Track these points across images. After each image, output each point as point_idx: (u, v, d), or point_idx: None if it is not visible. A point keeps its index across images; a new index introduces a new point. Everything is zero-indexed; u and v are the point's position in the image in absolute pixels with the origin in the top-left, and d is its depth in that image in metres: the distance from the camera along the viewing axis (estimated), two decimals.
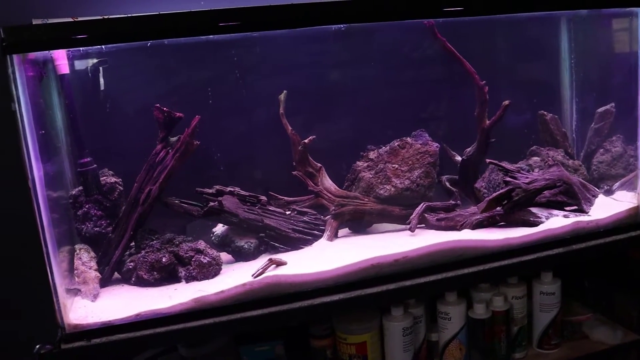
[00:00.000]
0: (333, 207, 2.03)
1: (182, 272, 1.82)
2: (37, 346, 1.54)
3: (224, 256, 1.93)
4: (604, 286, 2.33)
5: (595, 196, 2.14)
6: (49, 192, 1.60)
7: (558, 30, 2.42)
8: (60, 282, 1.59)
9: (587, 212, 2.05)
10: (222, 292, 1.67)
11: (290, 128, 2.00)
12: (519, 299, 2.05)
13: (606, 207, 2.10)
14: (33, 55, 1.61)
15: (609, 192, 2.25)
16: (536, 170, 2.14)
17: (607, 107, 2.32)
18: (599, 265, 2.30)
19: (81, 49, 1.74)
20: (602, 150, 2.33)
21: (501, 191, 1.97)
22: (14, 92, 1.47)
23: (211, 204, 1.89)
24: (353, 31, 1.96)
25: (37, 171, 1.53)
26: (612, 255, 2.17)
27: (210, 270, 1.81)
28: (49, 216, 1.57)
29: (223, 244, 1.96)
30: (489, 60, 2.37)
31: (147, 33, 1.59)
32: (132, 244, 1.89)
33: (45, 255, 1.56)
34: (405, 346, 1.92)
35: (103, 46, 1.73)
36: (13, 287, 2.03)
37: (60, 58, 1.75)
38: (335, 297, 1.72)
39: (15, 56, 1.47)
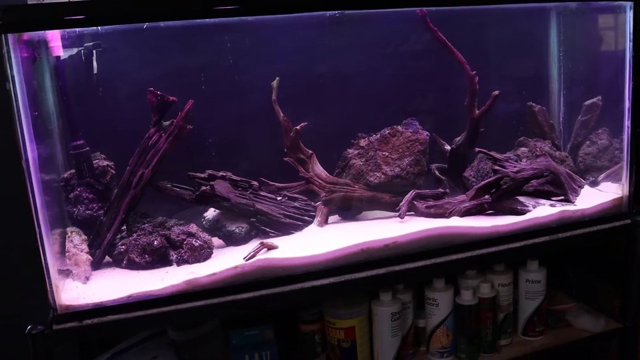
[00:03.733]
0: (324, 194, 2.05)
1: (173, 255, 1.82)
2: (29, 327, 1.54)
3: (215, 241, 1.94)
4: (587, 276, 2.37)
5: (581, 187, 2.18)
6: (41, 175, 1.60)
7: (547, 23, 2.44)
8: (52, 263, 1.60)
9: (573, 202, 2.08)
10: (213, 274, 1.68)
11: (282, 114, 2.01)
12: (506, 286, 2.08)
13: (592, 197, 2.14)
14: (27, 36, 1.60)
15: (594, 183, 2.29)
16: (524, 160, 2.17)
17: (594, 100, 2.36)
18: (583, 255, 2.35)
19: (76, 30, 1.75)
20: (588, 142, 2.37)
21: (490, 179, 2.00)
22: (9, 71, 1.47)
23: (203, 188, 1.90)
24: (346, 19, 1.97)
25: (30, 152, 1.54)
26: (596, 245, 2.21)
27: (202, 254, 1.82)
28: (42, 198, 1.58)
29: (214, 228, 1.97)
30: (480, 52, 2.39)
31: (144, 14, 1.60)
32: (124, 227, 1.90)
33: (37, 236, 1.56)
34: (394, 331, 1.94)
35: (98, 28, 1.73)
36: (4, 269, 2.03)
37: (55, 40, 1.75)
38: (326, 281, 1.74)
39: (10, 36, 1.47)
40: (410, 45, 2.28)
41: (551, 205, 2.04)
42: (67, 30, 1.73)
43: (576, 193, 2.13)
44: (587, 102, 2.37)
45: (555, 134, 2.39)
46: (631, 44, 2.00)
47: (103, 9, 1.53)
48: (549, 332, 2.18)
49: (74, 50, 1.87)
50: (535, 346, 2.12)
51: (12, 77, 1.48)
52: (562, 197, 2.09)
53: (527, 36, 2.46)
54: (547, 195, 2.09)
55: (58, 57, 1.79)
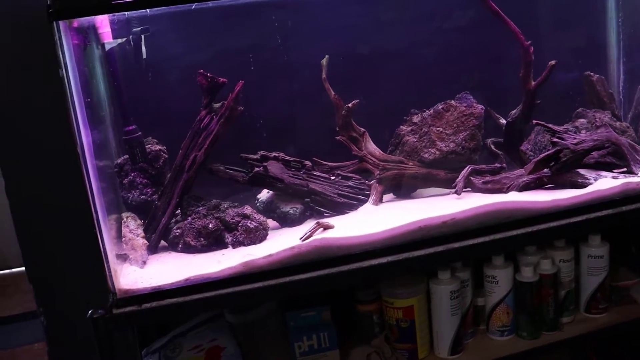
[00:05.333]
0: (377, 172, 2.01)
1: (228, 237, 1.82)
2: (90, 311, 1.56)
3: (270, 222, 1.92)
4: None
5: None
6: (95, 161, 1.61)
7: None
8: (110, 248, 1.61)
9: (636, 174, 2.00)
10: (270, 255, 1.66)
11: (333, 93, 1.98)
12: (567, 262, 2.03)
13: None
14: (77, 22, 1.60)
15: None
16: (583, 132, 2.10)
17: None
18: None
19: (126, 14, 1.74)
20: None
21: (549, 152, 1.93)
22: (61, 58, 1.48)
23: (256, 169, 1.88)
24: None
25: (85, 138, 1.54)
26: None
27: (257, 235, 1.81)
28: (98, 183, 1.59)
29: (268, 210, 1.96)
30: (534, 20, 2.32)
31: None
32: (178, 211, 1.90)
33: (95, 222, 1.57)
34: (453, 310, 1.91)
35: (147, 11, 1.73)
36: (65, 255, 2.06)
37: (104, 26, 1.75)
38: (383, 260, 1.71)
39: (61, 23, 1.47)
40: (461, 17, 2.22)
41: (613, 177, 1.97)
42: (116, 15, 1.73)
43: (639, 164, 2.06)
44: None
45: (614, 104, 2.30)
46: None
47: None
48: (613, 309, 2.12)
49: (123, 36, 1.87)
50: (599, 323, 2.07)
51: (65, 64, 1.49)
52: (624, 169, 2.02)
53: (582, 1, 2.38)
54: (609, 167, 2.02)
55: (108, 43, 1.79)
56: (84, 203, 1.55)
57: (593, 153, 1.99)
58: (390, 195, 2.10)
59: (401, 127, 2.09)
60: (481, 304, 2.04)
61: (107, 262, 1.59)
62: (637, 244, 2.34)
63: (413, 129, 2.06)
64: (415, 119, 2.07)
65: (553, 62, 1.97)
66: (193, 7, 1.71)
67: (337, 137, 2.02)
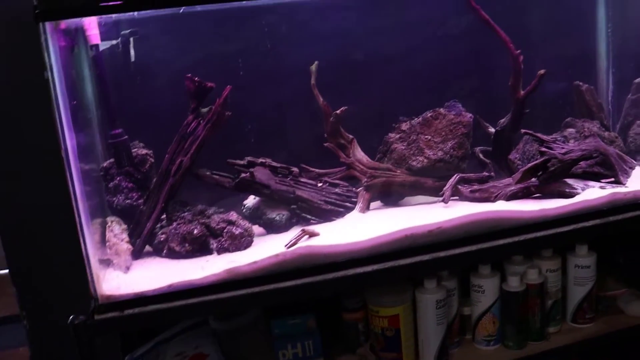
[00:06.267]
0: (365, 179, 2.00)
1: (213, 243, 1.81)
2: (71, 317, 1.54)
3: (256, 229, 1.91)
4: (638, 260, 2.29)
5: (632, 168, 2.10)
6: (81, 164, 1.60)
7: None
8: (93, 253, 1.59)
9: (624, 184, 2.00)
10: (254, 262, 1.65)
11: (321, 99, 1.97)
12: (554, 272, 2.02)
13: None
14: (65, 24, 1.59)
15: None
16: (571, 141, 2.10)
17: None
18: (634, 239, 2.26)
19: (113, 16, 1.73)
20: (639, 122, 2.28)
21: (537, 161, 1.93)
22: (47, 60, 1.46)
23: (243, 175, 1.87)
24: None
25: (69, 141, 1.52)
26: None
27: (242, 242, 1.80)
28: (82, 187, 1.57)
29: (254, 216, 1.95)
30: (524, 30, 2.32)
31: None
32: (164, 216, 1.88)
33: (78, 226, 1.55)
34: (439, 319, 1.90)
35: (135, 14, 1.72)
36: (48, 259, 2.05)
37: (92, 28, 1.73)
38: (369, 268, 1.70)
39: (47, 24, 1.46)
40: (451, 25, 2.22)
41: (601, 187, 1.97)
42: (104, 17, 1.71)
43: (627, 174, 2.05)
44: (637, 80, 2.28)
45: (603, 113, 2.31)
46: None
47: None
48: (600, 318, 2.11)
49: (112, 39, 1.86)
50: (585, 333, 2.06)
51: (51, 65, 1.47)
52: (612, 179, 2.02)
53: (572, 12, 2.38)
54: (596, 177, 2.01)
55: (95, 46, 1.77)
56: (68, 207, 1.54)
57: (581, 163, 1.98)
58: (377, 203, 2.09)
59: (390, 134, 2.08)
60: (467, 313, 2.04)
61: (90, 267, 1.57)
62: (625, 254, 2.34)
63: (401, 137, 2.05)
64: (404, 126, 2.06)
65: (542, 71, 1.97)
66: (181, 10, 1.70)
67: (325, 144, 2.02)
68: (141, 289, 1.60)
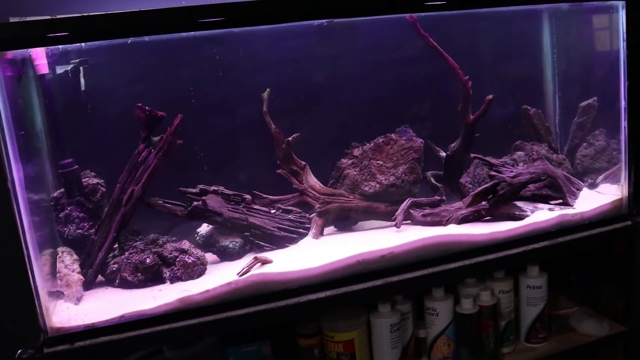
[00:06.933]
0: (318, 205, 2.01)
1: (166, 272, 1.79)
2: (19, 351, 1.51)
3: (209, 256, 1.91)
4: (589, 279, 2.33)
5: (579, 189, 2.15)
6: (29, 195, 1.58)
7: (540, 24, 2.43)
8: (42, 285, 1.57)
9: (572, 205, 2.05)
10: (207, 291, 1.65)
11: (273, 126, 1.99)
12: (506, 293, 2.05)
13: (591, 200, 2.11)
14: (11, 54, 1.58)
15: (593, 185, 2.26)
16: (521, 164, 2.14)
17: (590, 101, 2.33)
18: (584, 258, 2.31)
19: (60, 47, 1.72)
20: (585, 144, 2.34)
21: (486, 185, 1.97)
22: None
23: (195, 203, 1.87)
24: (335, 27, 1.95)
25: (16, 172, 1.51)
26: (597, 248, 2.18)
27: (195, 270, 1.79)
28: (30, 218, 1.55)
29: (208, 244, 1.95)
30: (472, 56, 2.37)
31: (127, 30, 1.56)
32: (116, 245, 1.87)
33: (26, 258, 1.53)
34: (393, 343, 1.91)
35: (83, 45, 1.71)
36: None
37: (40, 58, 1.72)
38: (322, 295, 1.71)
39: None
40: (401, 52, 2.25)
41: (550, 209, 2.01)
42: (52, 47, 1.70)
43: (575, 196, 2.10)
44: (583, 104, 2.34)
45: (551, 136, 2.37)
46: (625, 43, 1.98)
47: (86, 25, 1.51)
48: (553, 337, 2.14)
49: (61, 68, 1.85)
50: (539, 353, 2.08)
51: None
52: (560, 201, 2.07)
53: (519, 39, 2.45)
54: (545, 199, 2.06)
55: (44, 75, 1.76)
56: (15, 238, 1.51)
57: (530, 186, 2.03)
58: (331, 228, 2.10)
59: (342, 160, 2.10)
60: (422, 336, 2.04)
61: (38, 299, 1.55)
62: (576, 273, 2.38)
63: (354, 162, 2.07)
64: (356, 152, 2.08)
65: (490, 96, 2.01)
66: (129, 41, 1.70)
67: (278, 170, 2.02)
68: (92, 320, 1.59)
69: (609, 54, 2.10)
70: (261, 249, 1.92)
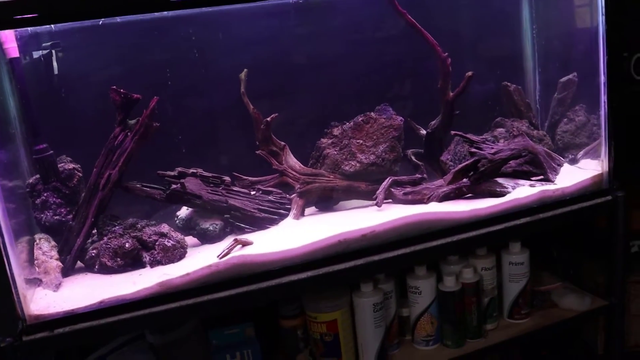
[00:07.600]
0: (298, 185, 2.00)
1: (146, 257, 1.78)
2: None
3: (190, 239, 1.90)
4: (571, 255, 2.35)
5: (560, 165, 2.15)
6: (3, 181, 1.56)
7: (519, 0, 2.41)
8: (19, 272, 1.54)
9: (552, 181, 2.05)
10: (187, 274, 1.63)
11: (252, 107, 1.96)
12: (488, 270, 2.05)
13: (571, 175, 2.11)
14: None
15: (573, 161, 2.27)
16: (501, 141, 2.14)
17: (570, 76, 2.32)
18: (566, 234, 2.32)
19: (29, 30, 1.69)
20: (565, 119, 2.34)
21: (467, 162, 1.96)
22: None
23: (173, 186, 1.85)
24: (312, 5, 1.93)
25: None
26: (579, 224, 2.19)
27: (175, 254, 1.77)
28: (4, 205, 1.52)
29: (188, 227, 1.93)
30: (452, 33, 2.35)
31: (98, 10, 1.53)
32: (94, 231, 1.84)
33: (0, 246, 1.50)
34: (377, 322, 1.91)
35: (53, 27, 1.67)
36: None
37: (9, 41, 1.69)
38: (304, 275, 1.70)
39: None
40: (380, 30, 2.24)
41: (531, 185, 2.01)
42: (21, 30, 1.66)
43: (556, 172, 2.10)
44: (563, 79, 2.33)
45: (532, 112, 2.36)
46: (604, 17, 1.97)
47: (55, 5, 1.47)
48: (535, 313, 2.15)
49: (32, 51, 1.81)
50: (522, 328, 2.10)
51: None
52: (541, 177, 2.06)
53: (498, 15, 2.44)
54: (526, 176, 2.06)
55: (14, 59, 1.72)
56: None
57: (511, 162, 2.02)
58: (312, 209, 2.09)
59: (322, 139, 2.08)
60: (406, 315, 2.05)
61: (15, 287, 1.52)
62: (558, 248, 2.39)
63: (334, 142, 2.06)
64: (336, 131, 2.07)
65: (470, 73, 2.00)
66: (101, 22, 1.66)
67: (257, 151, 2.01)
68: (71, 307, 1.57)
69: (589, 29, 2.09)
70: (242, 230, 1.90)
